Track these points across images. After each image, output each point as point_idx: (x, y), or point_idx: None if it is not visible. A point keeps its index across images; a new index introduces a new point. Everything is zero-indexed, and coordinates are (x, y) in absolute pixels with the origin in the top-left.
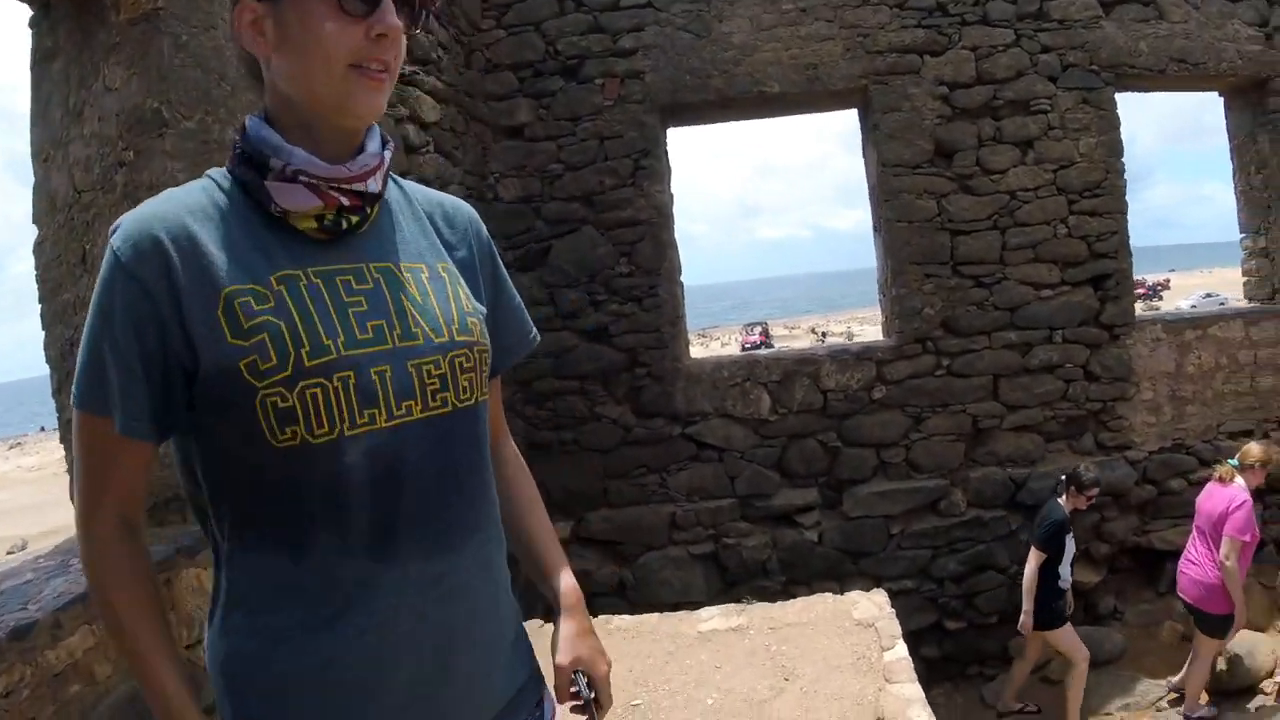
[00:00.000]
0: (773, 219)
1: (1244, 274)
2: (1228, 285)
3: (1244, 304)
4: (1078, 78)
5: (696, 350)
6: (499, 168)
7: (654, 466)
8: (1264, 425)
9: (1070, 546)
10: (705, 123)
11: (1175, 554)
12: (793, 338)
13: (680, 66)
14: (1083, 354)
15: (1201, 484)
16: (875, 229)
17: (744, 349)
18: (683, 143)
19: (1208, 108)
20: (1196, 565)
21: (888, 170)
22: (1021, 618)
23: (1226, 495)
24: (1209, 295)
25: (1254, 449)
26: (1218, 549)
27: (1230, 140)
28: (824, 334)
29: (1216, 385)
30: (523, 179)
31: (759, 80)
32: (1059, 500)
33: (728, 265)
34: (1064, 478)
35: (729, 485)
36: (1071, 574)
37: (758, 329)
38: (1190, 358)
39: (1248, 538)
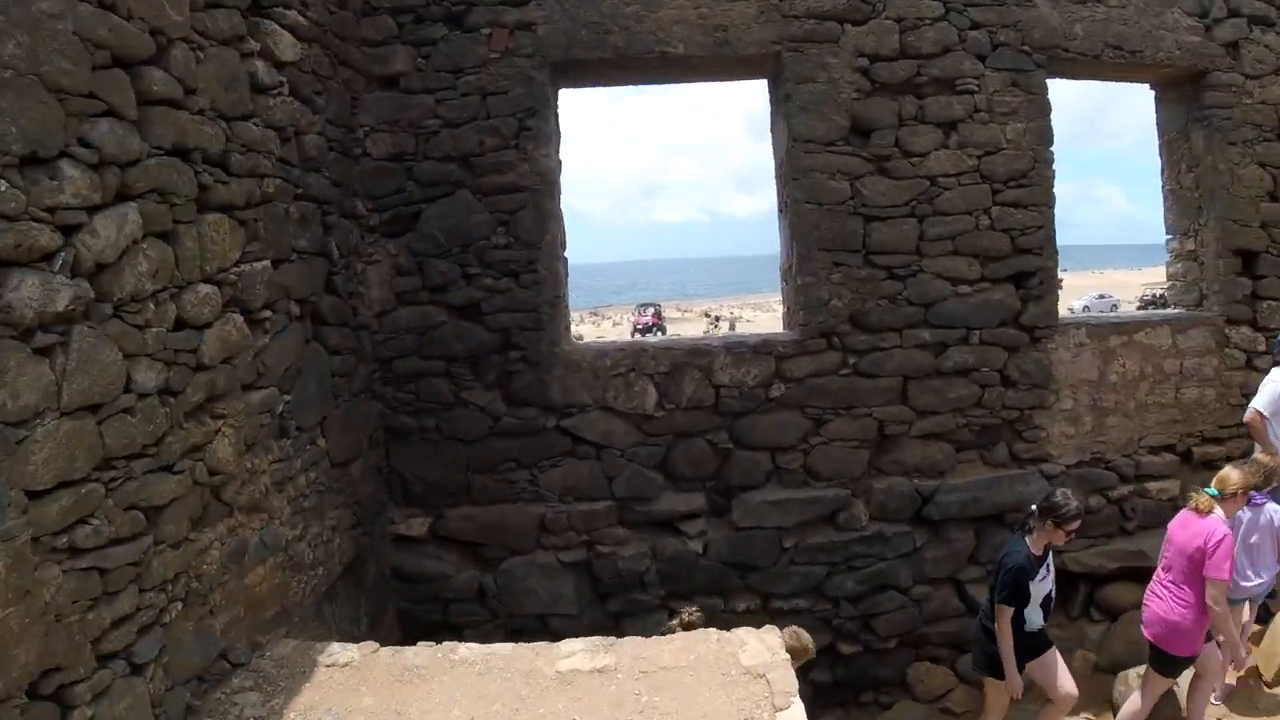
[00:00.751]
0: (670, 201)
1: (1169, 277)
2: (1118, 287)
3: (1170, 310)
4: (1008, 58)
5: (587, 329)
6: (369, 120)
7: (524, 461)
8: (1186, 440)
9: (1041, 589)
10: (601, 84)
11: (1089, 576)
12: (685, 320)
13: (576, 19)
14: (1000, 357)
15: (1120, 502)
16: (780, 210)
17: (635, 329)
18: (579, 112)
19: (1108, 106)
20: (1161, 600)
21: (798, 146)
22: (1008, 680)
23: (1204, 529)
24: (1102, 296)
25: (1232, 475)
26: (1189, 585)
27: (1160, 136)
28: (716, 317)
29: (1140, 395)
30: (395, 134)
31: (663, 40)
32: (1024, 537)
33: (623, 245)
34: (1035, 509)
35: (606, 486)
36: (1045, 617)
37: (650, 310)
38: (1114, 365)
39: (1229, 576)
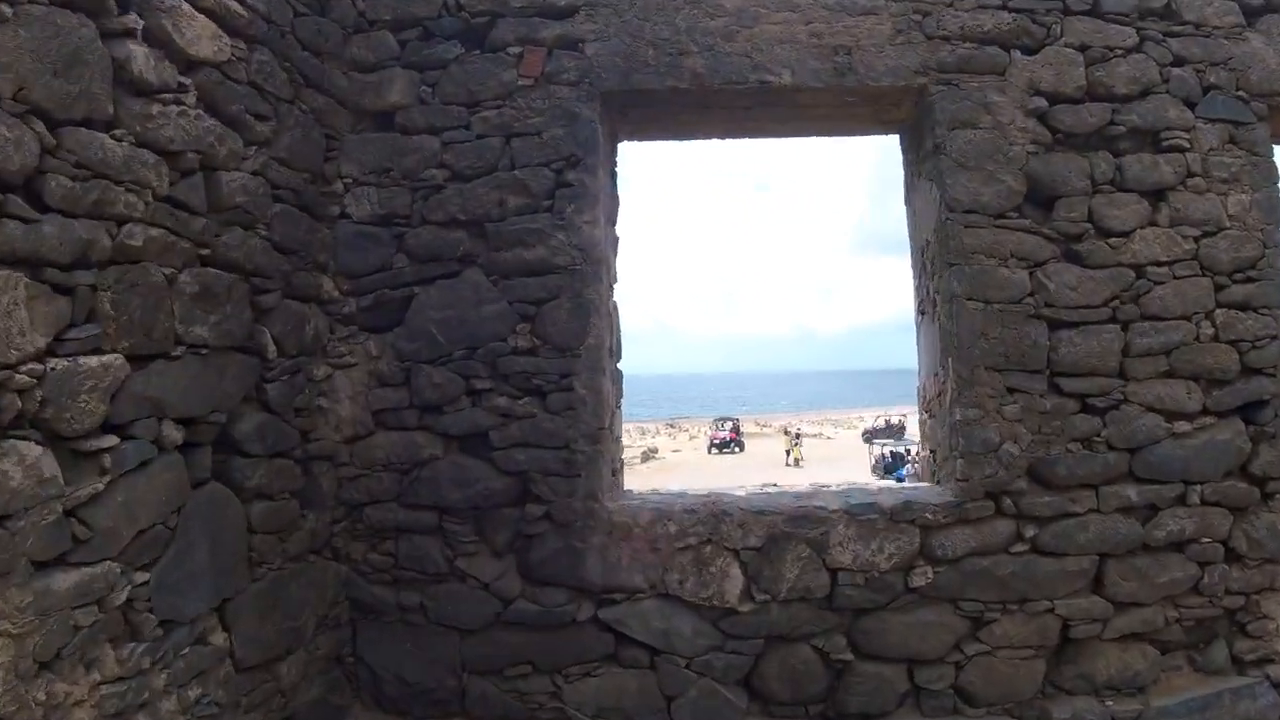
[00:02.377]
0: (754, 313)
1: None
2: None
3: None
4: (1222, 106)
5: (663, 442)
6: (352, 169)
7: (543, 665)
8: None
9: None
10: (671, 133)
11: None
12: (764, 435)
13: (640, 35)
14: (1224, 522)
15: None
16: (921, 311)
17: (712, 444)
18: (649, 187)
19: None
20: None
21: (955, 219)
22: None
23: None
24: None
25: None
26: None
27: None
28: (797, 434)
29: None
30: (384, 189)
31: (761, 64)
32: None
33: (703, 355)
34: None
35: (664, 709)
36: None
37: (729, 424)
38: None
39: None
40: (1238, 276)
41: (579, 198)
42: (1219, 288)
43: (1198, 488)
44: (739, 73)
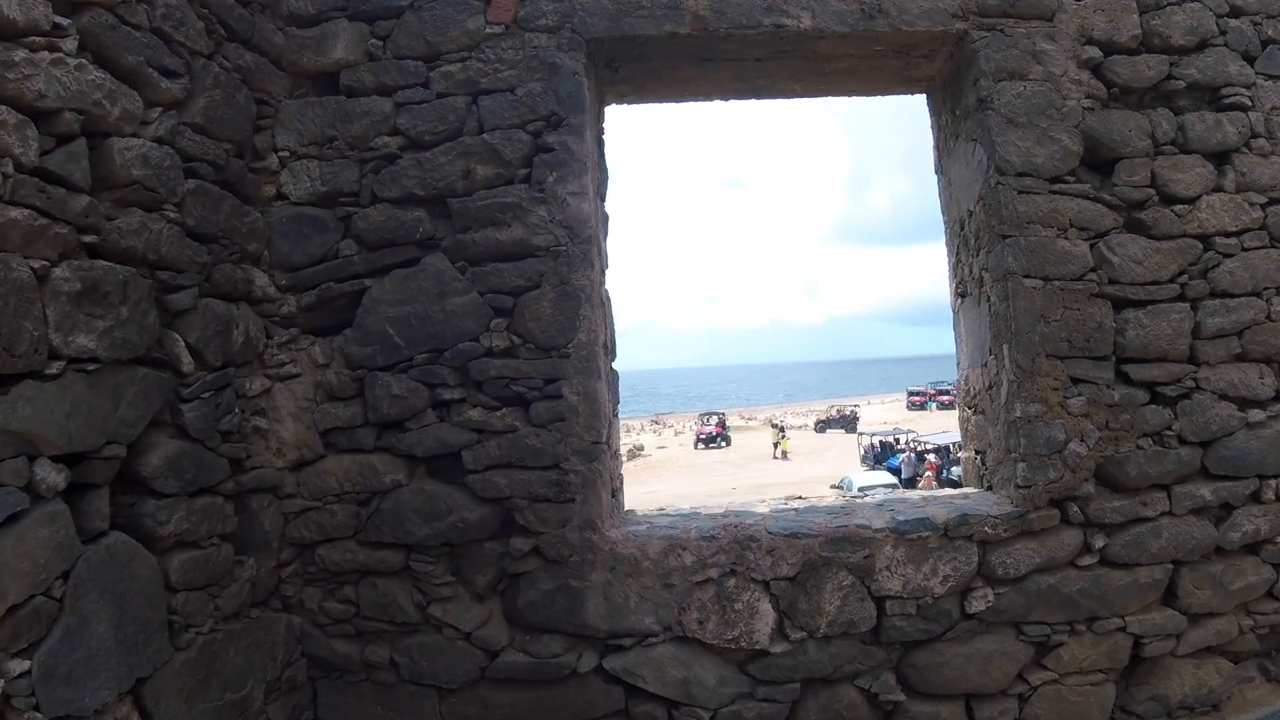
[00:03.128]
0: (733, 308)
1: None
2: None
3: None
4: None
5: (648, 439)
6: (289, 140)
7: None
8: None
9: None
10: (668, 93)
11: None
12: (749, 429)
13: None
14: None
15: None
16: (961, 294)
17: (699, 439)
18: (633, 163)
19: None
20: None
21: (1008, 183)
22: None
23: None
24: None
25: None
26: None
27: None
28: (782, 426)
29: None
30: (328, 162)
31: (775, 5)
32: None
33: (685, 351)
34: None
35: None
36: None
37: (714, 419)
38: None
39: None
40: None
41: (562, 165)
42: None
43: (1272, 482)
44: (750, 15)
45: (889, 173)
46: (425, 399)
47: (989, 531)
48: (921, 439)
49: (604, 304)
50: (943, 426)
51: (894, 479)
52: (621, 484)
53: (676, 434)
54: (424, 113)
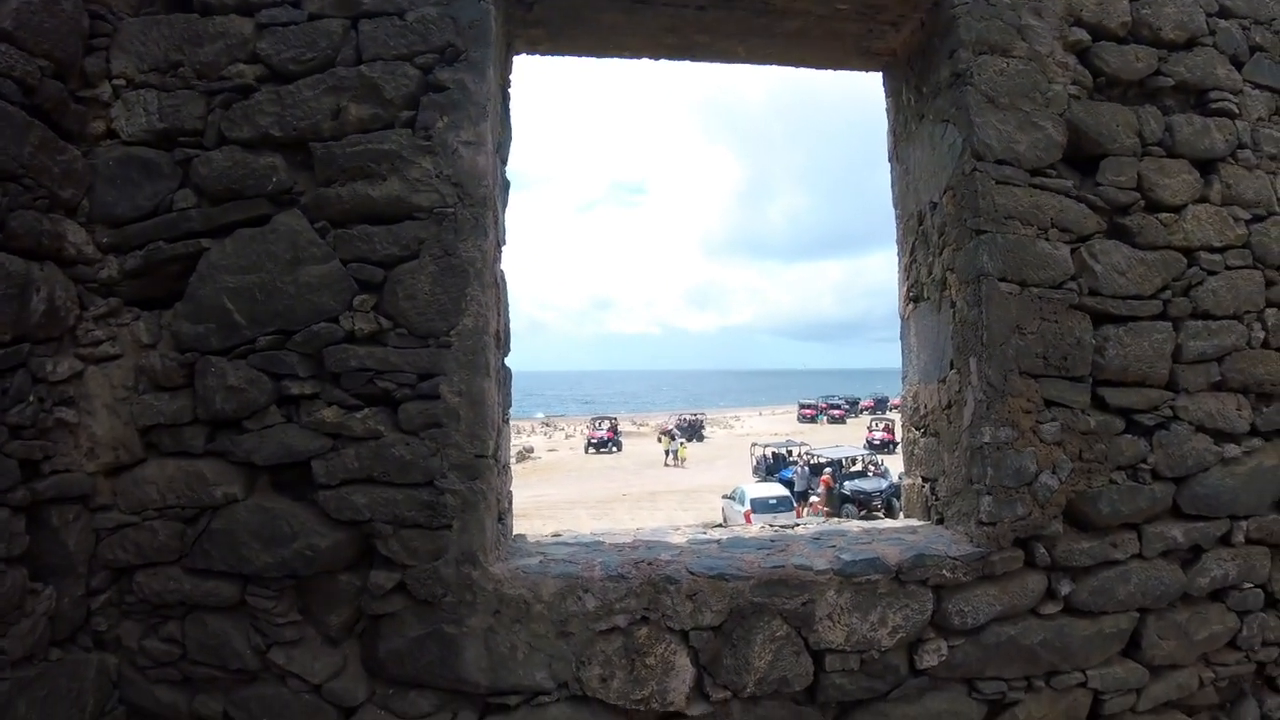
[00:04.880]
0: (625, 314)
1: None
2: None
3: None
4: (1269, 71)
5: (539, 441)
6: (127, 65)
7: None
8: None
9: None
10: (590, 44)
11: None
12: (640, 434)
13: None
14: (1265, 563)
15: None
16: (914, 297)
17: (590, 443)
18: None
19: None
20: None
21: (987, 170)
22: None
23: None
24: None
25: None
26: None
27: None
28: (673, 434)
29: None
30: (170, 93)
31: None
32: None
33: (577, 355)
34: None
35: None
36: None
37: (606, 424)
38: None
39: None
40: None
41: (456, 107)
42: (1269, 283)
43: (1243, 524)
44: None
45: (787, 188)
46: (269, 393)
47: (947, 575)
48: (814, 452)
49: (498, 285)
50: (833, 440)
51: (786, 491)
52: (510, 504)
53: (567, 437)
54: (291, 36)
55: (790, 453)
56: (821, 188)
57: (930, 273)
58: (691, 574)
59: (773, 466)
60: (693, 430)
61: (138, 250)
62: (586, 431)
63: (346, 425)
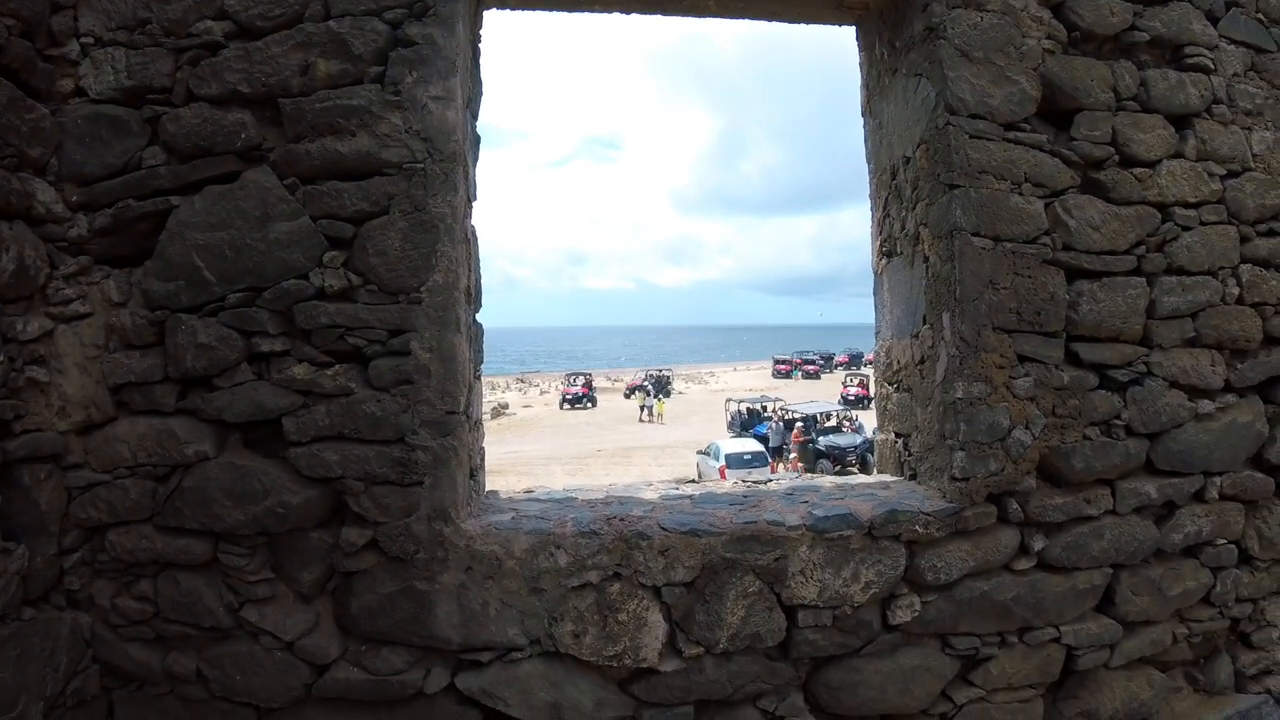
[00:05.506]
0: (598, 269)
1: None
2: None
3: None
4: (1244, 27)
5: (514, 397)
6: (95, 23)
7: None
8: None
9: None
10: (554, 0)
11: None
12: (615, 390)
13: None
14: (1238, 519)
15: None
16: (887, 252)
17: (565, 399)
18: (504, 174)
19: None
20: None
21: (960, 124)
22: None
23: None
24: None
25: None
26: None
27: None
28: (650, 387)
29: None
30: (138, 50)
31: None
32: None
33: (551, 311)
34: None
35: None
36: None
37: (580, 380)
38: None
39: None
40: (1261, 228)
41: (425, 62)
42: (1244, 239)
43: (1217, 480)
44: None
45: (761, 143)
46: (240, 350)
47: (919, 531)
48: (789, 407)
49: (468, 240)
50: (808, 395)
51: (761, 447)
52: (482, 460)
53: (542, 393)
54: None
55: (765, 408)
56: (796, 142)
57: (903, 228)
58: (664, 530)
59: (747, 422)
60: (660, 386)
61: (107, 209)
62: (561, 388)
63: (317, 382)
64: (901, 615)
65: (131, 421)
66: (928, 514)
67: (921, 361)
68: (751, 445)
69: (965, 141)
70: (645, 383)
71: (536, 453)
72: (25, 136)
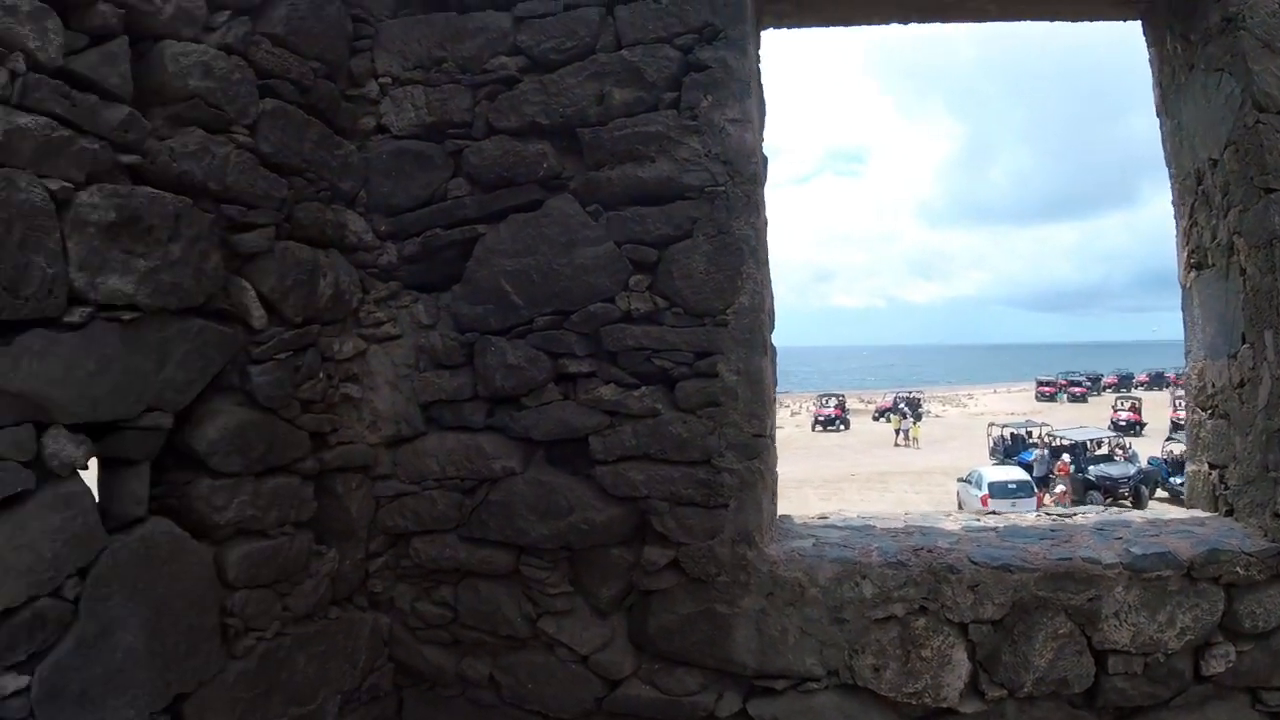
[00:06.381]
0: (847, 286)
1: None
2: None
3: None
4: None
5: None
6: (391, 64)
7: None
8: None
9: None
10: (837, 13)
11: None
12: (865, 411)
13: None
14: None
15: None
16: (1196, 264)
17: (817, 421)
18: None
19: None
20: None
21: (1271, 122)
22: None
23: None
24: None
25: None
26: None
27: None
28: (906, 408)
29: None
30: (435, 88)
31: None
32: None
33: (800, 329)
34: None
35: None
36: None
37: (833, 401)
38: None
39: None
40: None
41: (719, 86)
42: None
43: None
44: None
45: (1010, 147)
46: (547, 371)
47: (1239, 572)
48: (1056, 433)
49: (764, 260)
50: (1076, 419)
51: (1026, 475)
52: (775, 490)
53: (793, 414)
54: (549, 27)
55: (1030, 434)
56: (1047, 145)
57: (1214, 237)
58: (974, 564)
59: (1011, 448)
60: (911, 408)
61: (415, 237)
62: (813, 409)
63: (624, 403)
64: (1215, 665)
65: (440, 437)
66: (1249, 554)
67: (1241, 385)
68: (1017, 474)
69: (1279, 141)
70: (900, 405)
71: (789, 475)
72: (336, 171)
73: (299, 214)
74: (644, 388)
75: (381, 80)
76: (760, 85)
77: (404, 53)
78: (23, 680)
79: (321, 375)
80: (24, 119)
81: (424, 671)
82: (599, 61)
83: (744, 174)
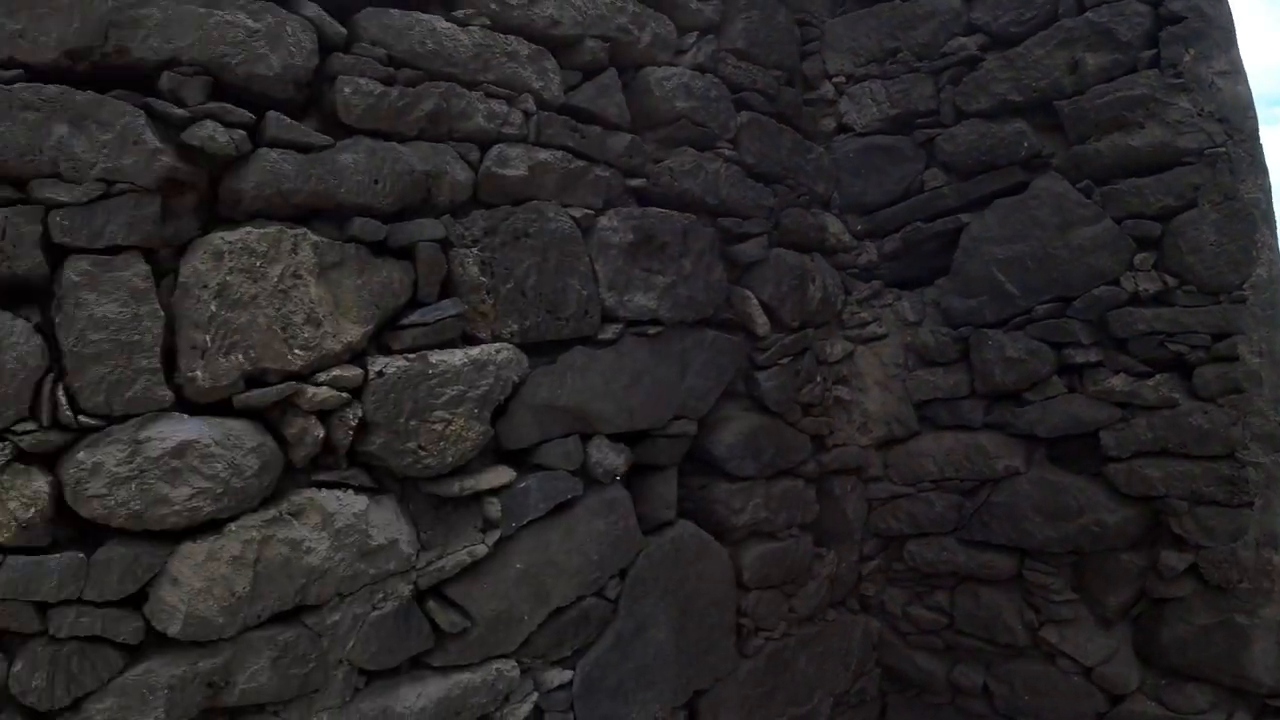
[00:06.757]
0: None
1: None
2: None
3: None
4: None
5: None
6: (842, 62)
7: None
8: None
9: None
10: None
11: None
12: None
13: None
14: None
15: None
16: None
17: None
18: None
19: None
20: None
21: None
22: None
23: None
24: None
25: None
26: None
27: None
28: None
29: None
30: (894, 80)
31: None
32: None
33: None
34: None
35: None
36: None
37: None
38: None
39: None
40: None
41: (1199, 37)
42: None
43: None
44: None
45: None
46: (1049, 363)
47: None
48: None
49: (1274, 220)
50: None
51: None
52: None
53: None
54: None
55: None
56: None
57: None
58: None
59: None
60: None
61: (893, 234)
62: None
63: (1137, 394)
64: None
65: (936, 436)
66: None
67: None
68: None
69: None
70: None
71: None
72: (810, 175)
73: (784, 220)
74: (1158, 376)
75: (835, 80)
76: (1233, 24)
77: (854, 49)
78: (566, 675)
79: (818, 379)
80: (543, 154)
81: (912, 677)
82: (1064, 28)
83: (1243, 131)
